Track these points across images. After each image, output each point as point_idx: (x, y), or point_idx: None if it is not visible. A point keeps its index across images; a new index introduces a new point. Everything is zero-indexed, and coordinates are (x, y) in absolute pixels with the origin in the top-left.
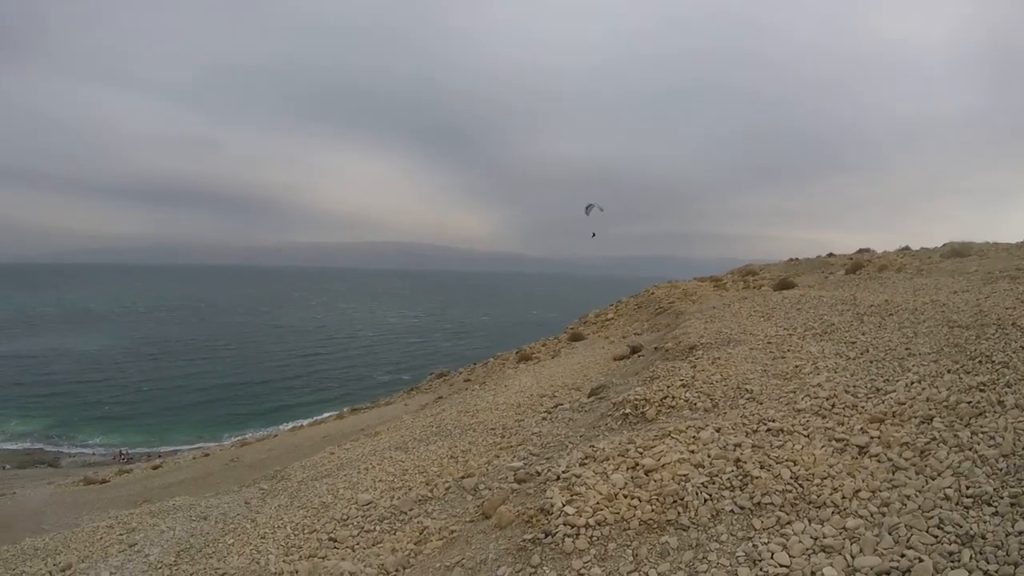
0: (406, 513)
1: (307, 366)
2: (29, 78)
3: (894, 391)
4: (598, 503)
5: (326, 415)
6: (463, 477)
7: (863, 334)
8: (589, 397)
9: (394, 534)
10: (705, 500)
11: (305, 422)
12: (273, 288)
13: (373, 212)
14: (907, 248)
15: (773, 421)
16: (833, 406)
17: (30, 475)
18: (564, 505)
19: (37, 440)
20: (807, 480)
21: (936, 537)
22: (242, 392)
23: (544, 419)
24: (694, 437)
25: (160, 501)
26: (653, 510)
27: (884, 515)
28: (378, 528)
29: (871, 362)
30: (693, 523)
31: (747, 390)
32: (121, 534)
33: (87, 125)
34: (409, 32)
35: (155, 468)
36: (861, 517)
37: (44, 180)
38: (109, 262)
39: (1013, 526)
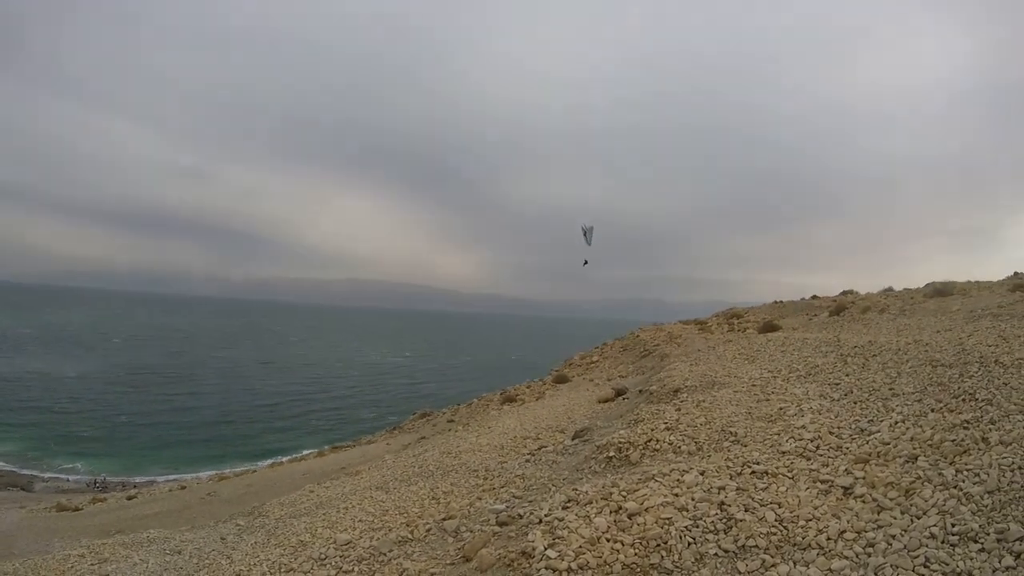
0: (385, 554)
1: (289, 402)
2: (12, 94)
3: (878, 431)
4: (580, 547)
5: (306, 452)
6: (444, 519)
7: (847, 375)
8: (573, 440)
9: (373, 575)
10: (689, 544)
11: (285, 459)
12: (257, 322)
13: (358, 250)
14: (890, 289)
15: (758, 463)
16: (818, 447)
17: (2, 498)
18: (546, 548)
19: (10, 462)
20: (792, 522)
21: None
22: (222, 426)
23: (527, 461)
24: (678, 480)
25: (134, 532)
26: (636, 554)
27: (870, 555)
28: (356, 569)
29: (855, 403)
30: (677, 567)
31: (732, 433)
32: (93, 564)
33: (76, 147)
34: (399, 80)
35: (130, 498)
36: (847, 558)
37: (28, 198)
38: (92, 286)
39: (1000, 562)
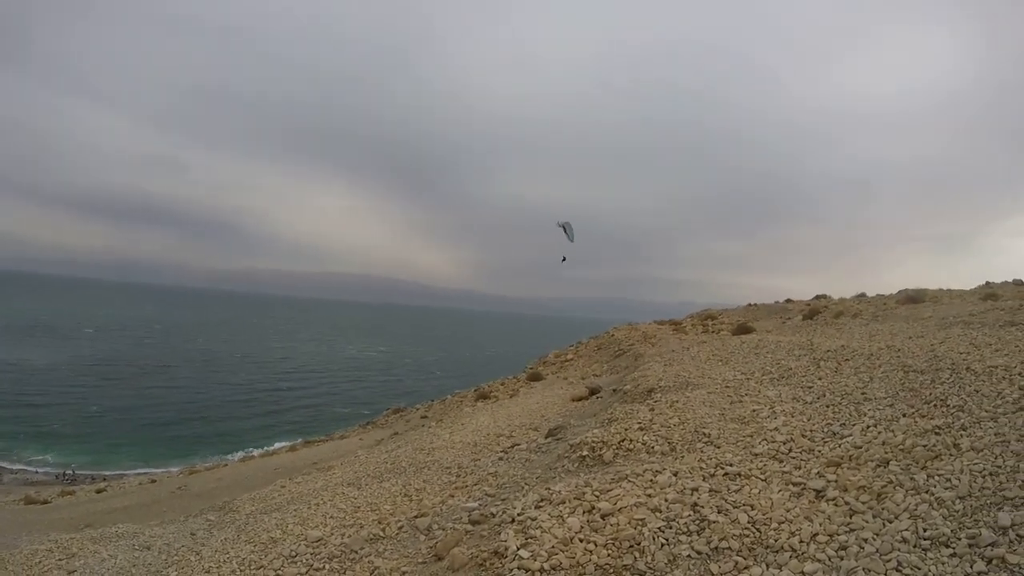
0: (357, 552)
1: (262, 395)
2: None
3: (850, 435)
4: (553, 547)
5: (278, 446)
6: (416, 516)
7: (820, 379)
8: (546, 438)
9: (344, 573)
10: (662, 545)
11: (257, 452)
12: (233, 313)
13: (337, 243)
14: (863, 295)
15: (730, 465)
16: (790, 450)
17: None
18: (519, 548)
19: None
20: (764, 524)
21: None
22: (194, 418)
23: (501, 459)
24: (651, 481)
25: (102, 527)
26: (609, 555)
27: (842, 559)
28: (327, 567)
29: (827, 406)
30: (650, 568)
31: (705, 434)
32: (60, 559)
33: (53, 134)
34: (382, 78)
35: (99, 492)
36: (819, 561)
37: (2, 184)
38: (66, 274)
39: (972, 567)
